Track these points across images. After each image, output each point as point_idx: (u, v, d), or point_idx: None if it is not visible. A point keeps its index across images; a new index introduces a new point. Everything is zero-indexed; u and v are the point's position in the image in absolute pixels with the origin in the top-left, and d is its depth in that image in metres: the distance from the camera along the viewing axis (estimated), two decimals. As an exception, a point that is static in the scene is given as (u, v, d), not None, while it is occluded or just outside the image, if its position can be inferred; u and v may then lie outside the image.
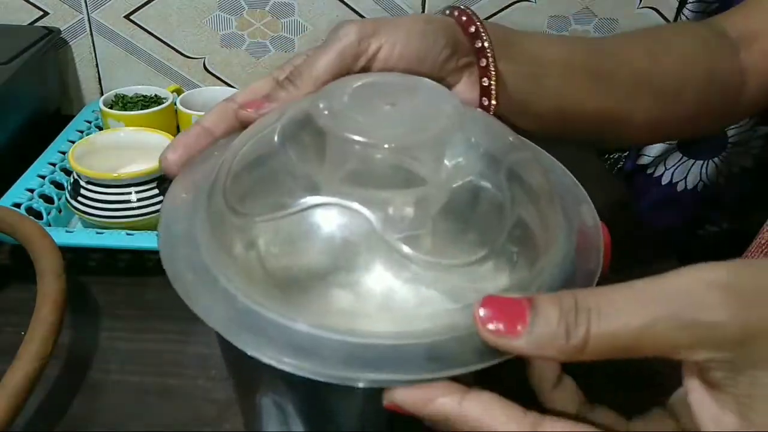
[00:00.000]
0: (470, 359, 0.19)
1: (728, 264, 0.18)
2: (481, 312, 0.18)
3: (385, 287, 0.20)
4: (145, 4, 0.65)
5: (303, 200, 0.21)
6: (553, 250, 0.22)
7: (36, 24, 0.66)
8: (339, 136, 0.21)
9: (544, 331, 0.18)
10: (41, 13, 0.66)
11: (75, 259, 0.44)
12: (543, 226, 0.22)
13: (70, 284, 0.36)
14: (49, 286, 0.33)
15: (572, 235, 0.23)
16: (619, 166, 0.61)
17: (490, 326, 0.18)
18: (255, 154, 0.24)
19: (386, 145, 0.21)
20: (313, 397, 0.24)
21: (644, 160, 0.58)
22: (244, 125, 0.27)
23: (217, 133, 0.27)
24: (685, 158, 0.58)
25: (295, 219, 0.21)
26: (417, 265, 0.20)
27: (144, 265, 0.46)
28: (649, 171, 0.59)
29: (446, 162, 0.22)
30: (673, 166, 0.58)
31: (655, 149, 0.58)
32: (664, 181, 0.59)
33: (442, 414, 0.18)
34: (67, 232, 0.44)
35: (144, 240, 0.44)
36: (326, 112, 0.22)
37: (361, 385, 0.19)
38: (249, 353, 0.19)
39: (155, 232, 0.44)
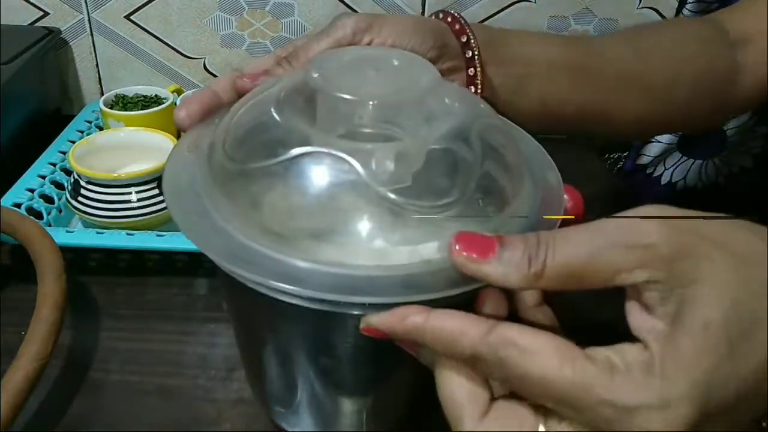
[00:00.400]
0: (441, 287, 0.21)
1: (670, 206, 0.20)
2: (456, 244, 0.21)
3: (368, 227, 0.23)
4: (146, 4, 0.65)
5: (294, 150, 0.23)
6: (519, 202, 0.25)
7: (36, 24, 0.66)
8: (329, 94, 0.24)
9: (510, 260, 0.20)
10: (41, 13, 0.66)
11: (75, 259, 0.44)
12: (510, 181, 0.25)
13: (71, 284, 0.36)
14: (50, 286, 0.33)
15: (537, 191, 0.26)
16: (619, 165, 0.61)
17: (464, 254, 0.20)
18: (252, 114, 0.26)
19: (371, 103, 0.24)
20: (308, 332, 0.26)
21: (644, 159, 0.58)
22: (240, 93, 0.30)
23: (223, 97, 0.30)
24: (684, 158, 0.58)
25: (286, 165, 0.23)
26: (398, 207, 0.22)
27: (144, 265, 0.46)
28: (649, 171, 0.59)
29: (424, 120, 0.25)
30: (673, 165, 0.59)
31: (654, 149, 0.58)
32: (664, 180, 0.59)
33: (411, 329, 0.21)
34: (67, 232, 0.44)
35: (144, 240, 0.44)
36: (317, 77, 0.25)
37: (355, 312, 0.22)
38: (249, 284, 0.22)
39: (155, 232, 0.45)
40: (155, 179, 0.46)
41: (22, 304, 0.40)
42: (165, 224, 0.48)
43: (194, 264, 0.46)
